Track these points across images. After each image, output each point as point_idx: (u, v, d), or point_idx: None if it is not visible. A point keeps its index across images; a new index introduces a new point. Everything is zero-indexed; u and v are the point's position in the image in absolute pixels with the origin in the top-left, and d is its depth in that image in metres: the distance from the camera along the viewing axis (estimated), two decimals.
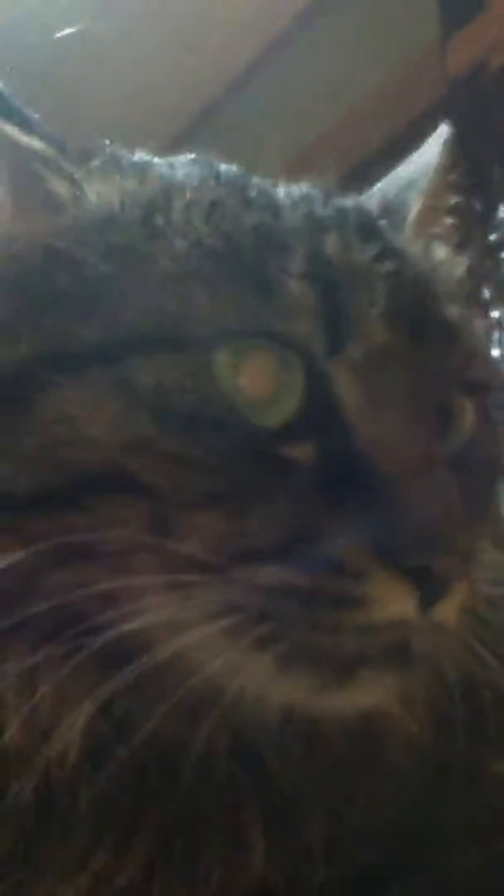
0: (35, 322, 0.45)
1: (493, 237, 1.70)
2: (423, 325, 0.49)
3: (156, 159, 0.55)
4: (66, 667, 0.42)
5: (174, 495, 0.43)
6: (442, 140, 0.64)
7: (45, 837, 0.43)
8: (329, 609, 0.42)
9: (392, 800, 0.47)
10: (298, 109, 1.77)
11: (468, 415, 0.51)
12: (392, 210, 0.60)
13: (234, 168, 0.55)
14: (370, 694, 0.44)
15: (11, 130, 0.48)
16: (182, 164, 0.55)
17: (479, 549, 0.47)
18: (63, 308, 0.45)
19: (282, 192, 0.53)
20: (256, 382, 0.45)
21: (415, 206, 0.60)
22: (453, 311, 0.51)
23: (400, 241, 0.55)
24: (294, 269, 0.46)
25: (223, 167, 0.55)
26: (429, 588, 0.43)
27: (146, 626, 0.42)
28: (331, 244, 0.48)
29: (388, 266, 0.48)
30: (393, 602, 0.42)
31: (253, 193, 0.51)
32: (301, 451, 0.45)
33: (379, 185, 0.65)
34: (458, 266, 0.58)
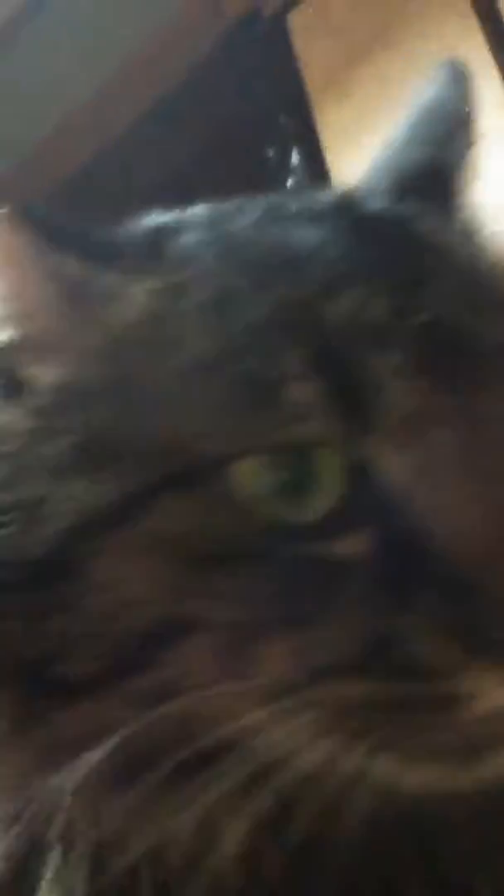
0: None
1: (289, 183, 1.67)
2: (469, 361, 0.41)
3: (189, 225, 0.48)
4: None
5: (235, 632, 0.40)
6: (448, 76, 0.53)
7: None
8: (426, 713, 0.39)
9: None
10: (65, 69, 1.69)
11: None
12: (437, 184, 0.50)
13: (261, 215, 0.47)
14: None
15: None
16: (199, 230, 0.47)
17: None
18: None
19: (300, 236, 0.46)
20: (283, 486, 0.40)
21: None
22: None
23: (445, 238, 0.47)
24: (291, 367, 0.40)
25: (247, 220, 0.47)
26: None
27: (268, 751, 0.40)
28: (341, 310, 0.42)
29: (417, 310, 0.42)
30: (494, 693, 0.38)
31: (272, 259, 0.44)
32: (352, 546, 0.40)
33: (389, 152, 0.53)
34: None
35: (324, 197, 0.52)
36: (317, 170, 1.57)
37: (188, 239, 0.46)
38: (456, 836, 0.43)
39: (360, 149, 1.16)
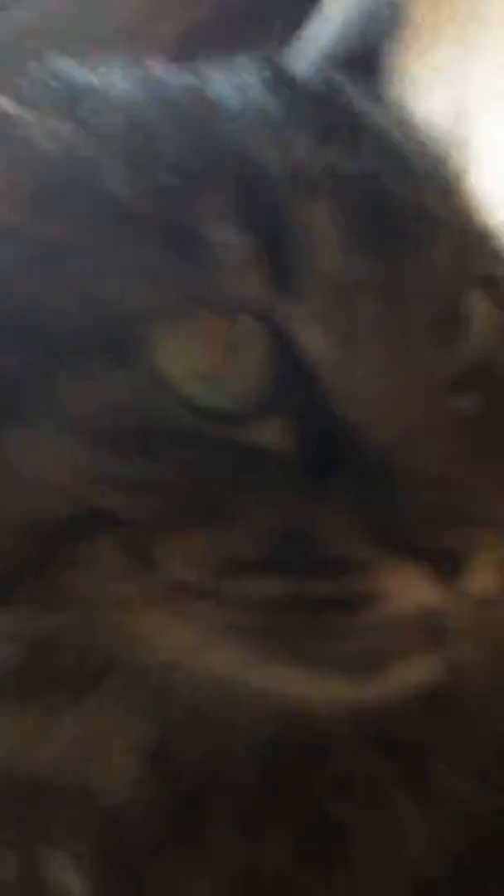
0: None
1: None
2: (395, 225, 0.39)
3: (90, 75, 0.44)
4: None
5: (148, 522, 0.37)
6: None
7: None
8: (338, 613, 0.37)
9: None
10: None
11: (482, 316, 0.42)
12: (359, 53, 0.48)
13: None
14: (414, 676, 0.39)
15: None
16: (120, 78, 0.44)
17: None
18: None
19: (227, 89, 0.43)
20: (207, 359, 0.38)
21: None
22: (436, 191, 0.42)
23: (372, 110, 0.44)
24: (213, 210, 0.37)
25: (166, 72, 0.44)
26: (447, 564, 0.37)
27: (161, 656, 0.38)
28: (269, 155, 0.39)
29: (347, 166, 0.39)
30: (408, 590, 0.36)
31: (196, 105, 0.42)
32: (272, 432, 0.38)
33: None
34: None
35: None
36: None
37: (117, 87, 0.43)
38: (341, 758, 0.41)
39: None
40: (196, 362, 0.37)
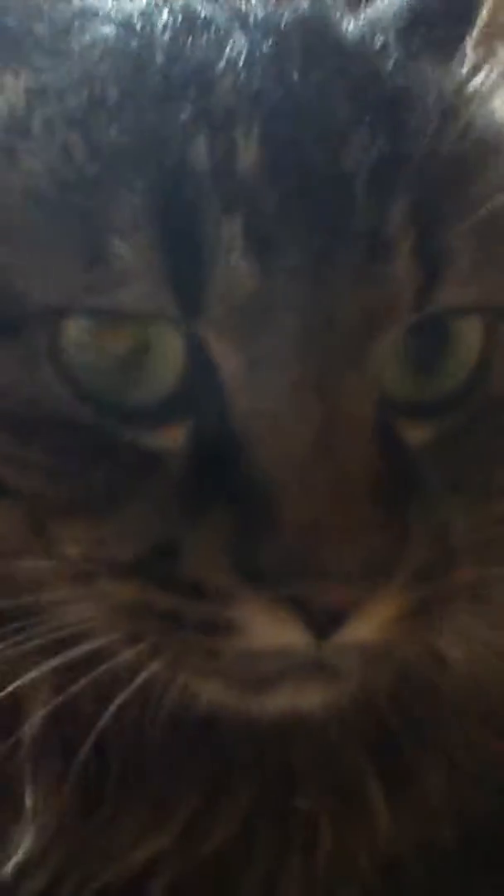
0: None
1: None
2: (330, 242, 0.36)
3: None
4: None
5: (42, 502, 0.38)
6: None
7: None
8: (200, 634, 0.36)
9: None
10: None
11: (469, 345, 0.40)
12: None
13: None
14: (294, 701, 0.39)
15: None
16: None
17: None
18: None
19: (201, 54, 0.39)
20: (115, 361, 0.37)
21: None
22: (403, 201, 0.37)
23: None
24: (126, 222, 0.35)
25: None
26: (319, 614, 0.35)
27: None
28: (197, 154, 0.36)
29: (278, 176, 0.36)
30: (269, 630, 0.35)
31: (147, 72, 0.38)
32: (170, 437, 0.37)
33: None
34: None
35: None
36: None
37: (89, 35, 0.40)
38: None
39: None
40: (104, 362, 0.37)
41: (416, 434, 0.39)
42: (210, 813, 0.41)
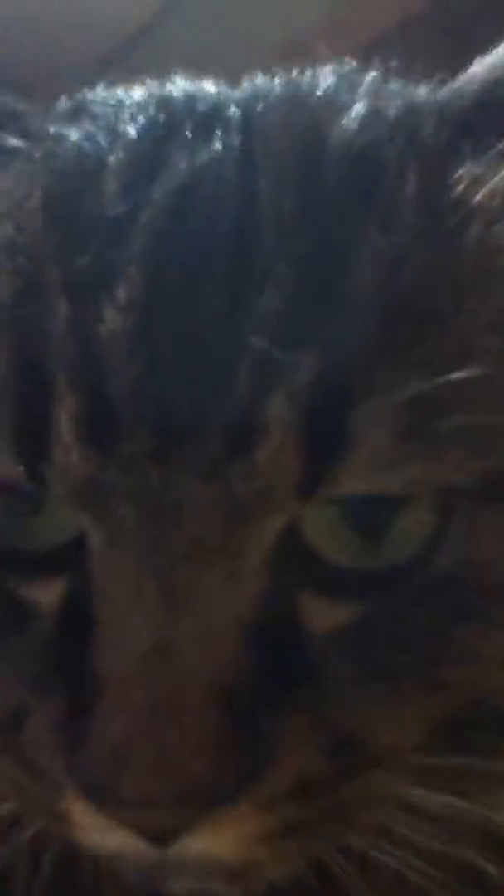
0: None
1: None
2: (183, 427, 0.32)
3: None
4: None
5: None
6: None
7: None
8: (41, 811, 0.35)
9: None
10: None
11: (404, 527, 0.34)
12: None
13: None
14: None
15: None
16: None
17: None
18: None
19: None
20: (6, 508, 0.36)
21: None
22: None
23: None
24: None
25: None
26: (150, 828, 0.32)
27: None
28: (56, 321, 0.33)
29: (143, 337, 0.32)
30: (101, 832, 0.33)
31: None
32: (44, 593, 0.35)
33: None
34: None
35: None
36: None
37: (71, 135, 0.38)
38: None
39: None
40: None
41: (326, 617, 0.33)
42: None
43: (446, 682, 0.34)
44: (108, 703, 0.32)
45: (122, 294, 0.32)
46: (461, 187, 0.35)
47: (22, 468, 0.33)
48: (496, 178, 0.36)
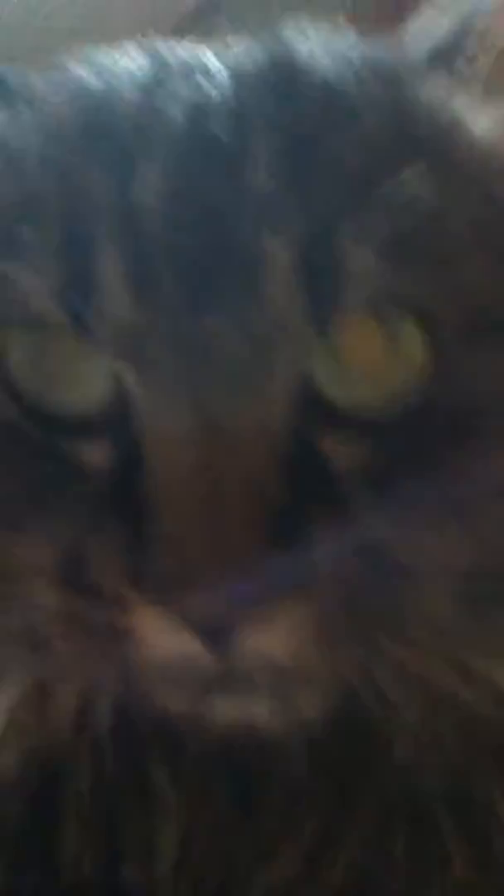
0: None
1: None
2: (209, 279, 0.37)
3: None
4: None
5: None
6: None
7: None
8: (106, 642, 0.37)
9: None
10: None
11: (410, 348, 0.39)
12: None
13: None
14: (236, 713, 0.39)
15: None
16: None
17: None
18: None
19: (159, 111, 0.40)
20: (51, 377, 0.39)
21: None
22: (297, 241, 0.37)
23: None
24: (30, 259, 0.38)
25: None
26: (204, 626, 0.36)
27: None
28: (96, 185, 0.38)
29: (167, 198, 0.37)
30: (162, 638, 0.36)
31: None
32: (92, 455, 0.38)
33: None
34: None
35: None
36: None
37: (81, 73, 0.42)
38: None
39: None
40: (43, 375, 0.39)
41: (348, 460, 0.38)
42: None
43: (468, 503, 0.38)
44: (166, 515, 0.35)
45: (154, 163, 0.38)
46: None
47: (68, 317, 0.37)
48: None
